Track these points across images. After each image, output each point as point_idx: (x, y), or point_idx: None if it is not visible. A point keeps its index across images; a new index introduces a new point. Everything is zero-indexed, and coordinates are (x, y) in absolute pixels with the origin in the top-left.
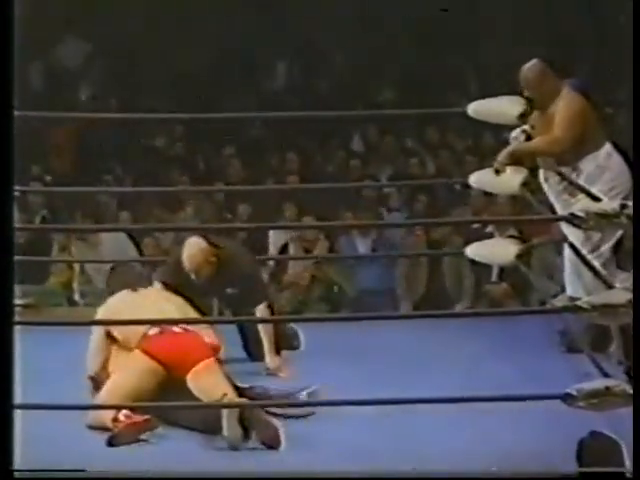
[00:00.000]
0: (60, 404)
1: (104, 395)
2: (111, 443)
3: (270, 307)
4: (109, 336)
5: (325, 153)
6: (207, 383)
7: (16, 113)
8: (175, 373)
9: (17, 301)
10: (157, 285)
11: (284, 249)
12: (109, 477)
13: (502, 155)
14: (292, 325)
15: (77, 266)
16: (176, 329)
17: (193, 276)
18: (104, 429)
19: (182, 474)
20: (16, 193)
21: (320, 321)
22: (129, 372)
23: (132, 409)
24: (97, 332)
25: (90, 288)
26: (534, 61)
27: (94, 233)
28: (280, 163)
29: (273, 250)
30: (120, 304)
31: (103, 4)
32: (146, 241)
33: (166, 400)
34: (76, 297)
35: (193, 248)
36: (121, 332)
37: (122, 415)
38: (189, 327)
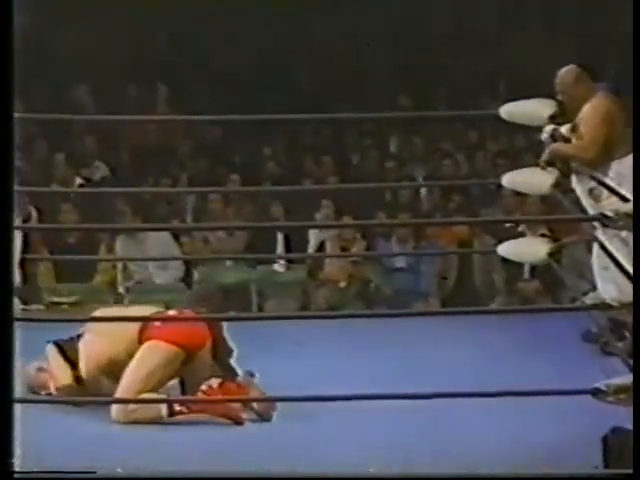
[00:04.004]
0: (60, 398)
1: (129, 389)
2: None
3: None
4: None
5: (361, 154)
6: (201, 367)
7: (16, 115)
8: (191, 352)
9: (63, 299)
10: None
11: (321, 247)
12: (110, 477)
13: (545, 153)
14: None
15: (120, 264)
16: (171, 312)
17: None
18: (155, 422)
19: (183, 474)
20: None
21: (350, 317)
22: (152, 364)
23: None
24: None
25: (133, 284)
26: (570, 66)
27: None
28: (317, 164)
29: (311, 248)
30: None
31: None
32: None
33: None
34: (120, 290)
35: None
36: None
37: (176, 405)
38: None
